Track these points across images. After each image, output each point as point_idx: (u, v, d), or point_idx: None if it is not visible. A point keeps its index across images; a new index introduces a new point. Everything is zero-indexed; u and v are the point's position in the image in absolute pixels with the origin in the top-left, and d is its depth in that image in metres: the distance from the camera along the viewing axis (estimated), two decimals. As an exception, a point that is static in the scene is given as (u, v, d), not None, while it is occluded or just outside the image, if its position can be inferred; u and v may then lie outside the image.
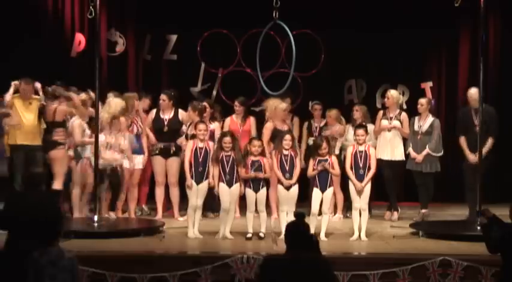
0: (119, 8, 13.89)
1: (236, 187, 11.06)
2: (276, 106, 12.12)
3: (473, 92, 12.16)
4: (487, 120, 11.86)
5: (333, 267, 6.93)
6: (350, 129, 12.39)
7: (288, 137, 11.15)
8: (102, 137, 11.65)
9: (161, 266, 9.57)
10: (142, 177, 12.67)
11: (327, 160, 10.98)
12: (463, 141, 12.24)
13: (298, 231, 6.63)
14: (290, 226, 6.78)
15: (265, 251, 9.68)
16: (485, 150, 11.65)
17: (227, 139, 11.13)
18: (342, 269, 9.49)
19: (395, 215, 12.63)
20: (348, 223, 11.63)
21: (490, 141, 12.02)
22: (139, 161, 12.34)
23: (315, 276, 6.40)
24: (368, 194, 11.17)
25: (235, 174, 11.05)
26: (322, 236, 10.90)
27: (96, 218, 11.42)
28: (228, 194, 11.05)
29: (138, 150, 12.31)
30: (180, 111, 12.54)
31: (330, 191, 11.16)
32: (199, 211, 11.24)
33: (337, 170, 11.15)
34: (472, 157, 11.89)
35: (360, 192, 11.10)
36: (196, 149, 11.21)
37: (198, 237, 11.08)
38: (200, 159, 11.18)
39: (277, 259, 6.76)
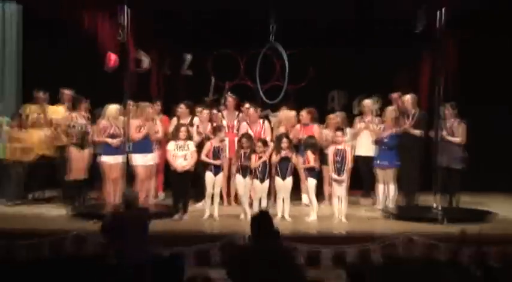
0: (144, 32, 13.83)
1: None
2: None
3: (408, 98, 12.25)
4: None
5: (295, 255, 6.91)
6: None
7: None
8: None
9: (179, 242, 9.59)
10: (157, 169, 12.66)
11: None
12: None
13: (263, 223, 6.61)
14: (256, 219, 6.69)
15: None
16: None
17: (244, 140, 11.32)
18: (326, 244, 9.66)
19: (370, 200, 12.60)
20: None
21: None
22: (150, 158, 12.19)
23: (278, 263, 6.34)
24: (346, 184, 11.24)
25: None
26: (314, 218, 11.09)
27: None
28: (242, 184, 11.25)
29: (149, 149, 12.16)
30: (195, 118, 12.60)
31: (310, 181, 11.25)
32: (217, 197, 11.32)
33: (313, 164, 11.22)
34: None
35: (339, 182, 11.15)
36: (214, 147, 11.31)
37: (215, 218, 11.15)
38: (218, 156, 11.30)
39: (246, 248, 6.81)
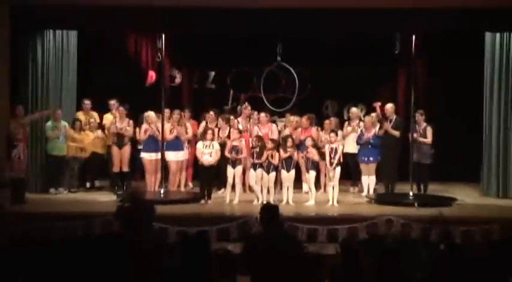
0: (176, 54, 13.73)
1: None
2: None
3: (389, 107, 12.30)
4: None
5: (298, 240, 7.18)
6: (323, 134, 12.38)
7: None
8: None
9: (204, 222, 9.62)
10: (187, 164, 12.64)
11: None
12: None
13: (271, 214, 6.51)
14: (265, 211, 6.51)
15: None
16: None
17: (254, 140, 11.39)
18: (322, 224, 9.70)
19: (357, 189, 12.55)
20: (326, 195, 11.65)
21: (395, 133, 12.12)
22: (181, 154, 12.23)
23: (285, 248, 6.21)
24: (338, 175, 11.24)
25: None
26: (312, 203, 11.08)
27: (162, 191, 11.56)
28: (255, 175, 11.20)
29: (180, 147, 12.21)
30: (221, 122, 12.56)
31: (310, 173, 11.27)
32: (239, 186, 11.33)
33: (316, 158, 11.24)
34: None
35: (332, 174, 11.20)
36: (233, 146, 11.35)
37: (235, 203, 11.13)
38: (235, 153, 11.29)
39: (257, 238, 6.68)
